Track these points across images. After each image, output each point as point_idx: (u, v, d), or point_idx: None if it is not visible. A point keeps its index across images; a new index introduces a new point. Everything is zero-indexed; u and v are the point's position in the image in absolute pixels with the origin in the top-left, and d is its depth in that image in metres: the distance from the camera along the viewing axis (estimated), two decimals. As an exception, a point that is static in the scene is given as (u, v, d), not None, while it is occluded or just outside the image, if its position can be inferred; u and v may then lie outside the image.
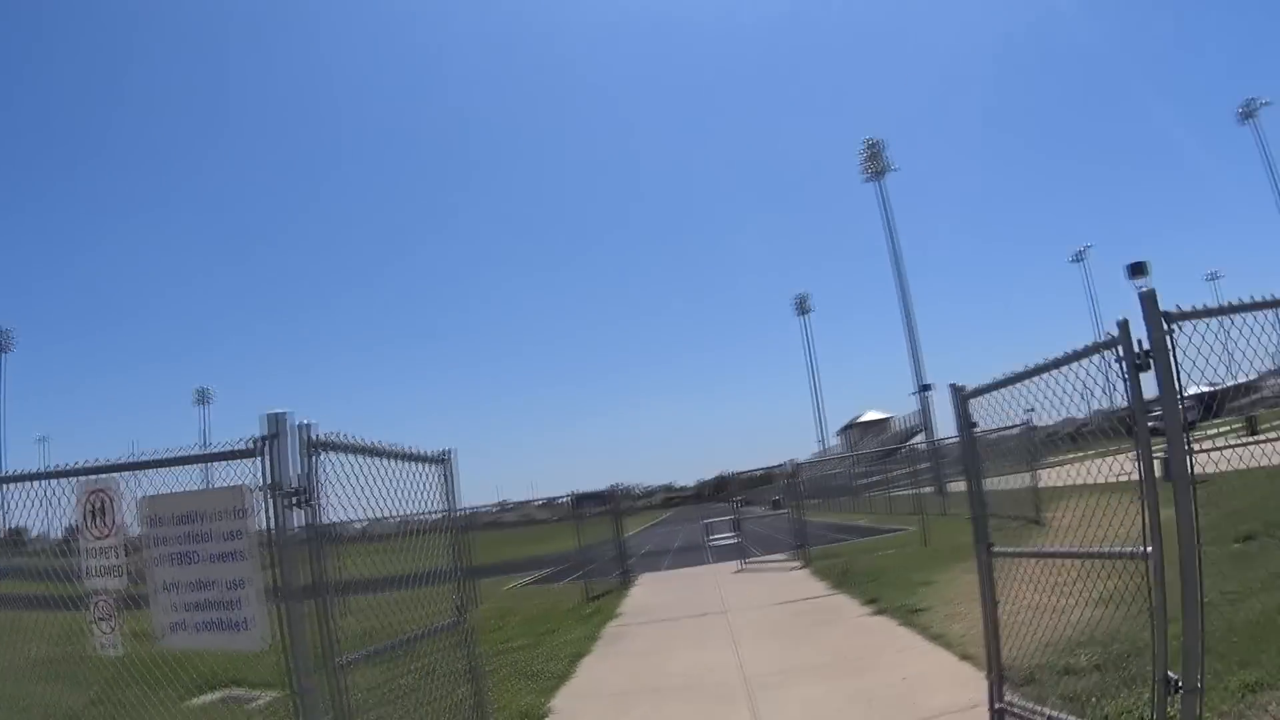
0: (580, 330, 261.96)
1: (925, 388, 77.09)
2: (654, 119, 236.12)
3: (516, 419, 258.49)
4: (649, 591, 19.40)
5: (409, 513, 5.94)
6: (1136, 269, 75.82)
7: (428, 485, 6.30)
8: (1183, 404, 4.64)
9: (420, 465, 6.21)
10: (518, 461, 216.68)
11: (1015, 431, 7.63)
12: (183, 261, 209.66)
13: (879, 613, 12.21)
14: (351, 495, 5.12)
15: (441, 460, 6.46)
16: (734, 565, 22.59)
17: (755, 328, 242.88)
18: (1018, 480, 23.34)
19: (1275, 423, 20.65)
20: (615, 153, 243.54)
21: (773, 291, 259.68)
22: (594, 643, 12.75)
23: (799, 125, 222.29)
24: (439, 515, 6.38)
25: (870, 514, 40.08)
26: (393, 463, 5.76)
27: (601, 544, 22.10)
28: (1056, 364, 5.24)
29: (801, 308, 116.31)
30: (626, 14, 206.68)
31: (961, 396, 6.40)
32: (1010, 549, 6.51)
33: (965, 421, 6.43)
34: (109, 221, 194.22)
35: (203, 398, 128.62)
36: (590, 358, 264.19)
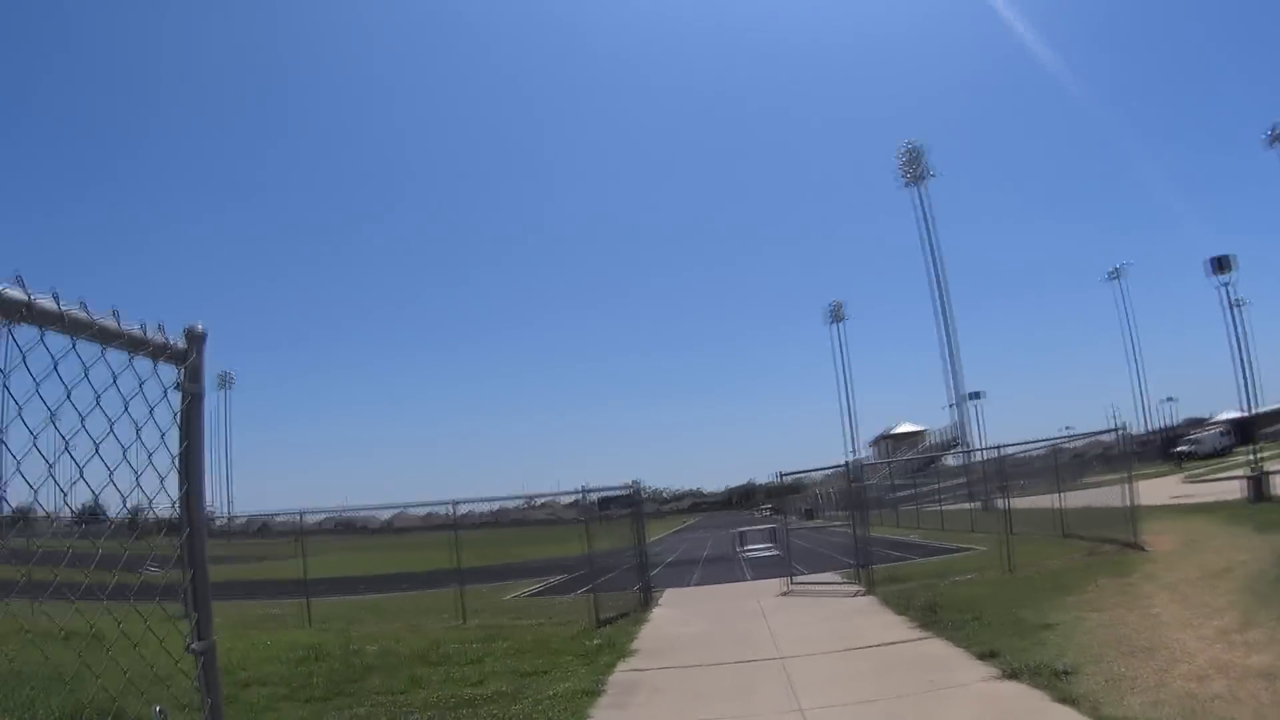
0: (609, 333, 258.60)
1: (975, 395, 74.07)
2: (687, 122, 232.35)
3: (544, 417, 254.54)
4: (674, 617, 15.61)
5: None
6: (1220, 264, 68.99)
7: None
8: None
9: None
10: (543, 458, 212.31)
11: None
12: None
13: (1008, 675, 8.31)
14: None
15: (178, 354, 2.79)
16: (777, 585, 18.86)
17: (787, 335, 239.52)
18: (1103, 498, 20.55)
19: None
20: (648, 156, 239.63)
21: (806, 298, 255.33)
22: (593, 704, 8.90)
23: (835, 129, 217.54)
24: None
25: (919, 529, 36.17)
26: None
27: (618, 550, 18.49)
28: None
29: (835, 315, 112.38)
30: (660, 16, 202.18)
31: None
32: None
33: None
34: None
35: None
36: (620, 362, 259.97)
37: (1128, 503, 18.61)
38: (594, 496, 18.06)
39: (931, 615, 12.23)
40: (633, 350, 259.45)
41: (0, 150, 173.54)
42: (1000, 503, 32.70)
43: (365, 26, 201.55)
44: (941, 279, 72.58)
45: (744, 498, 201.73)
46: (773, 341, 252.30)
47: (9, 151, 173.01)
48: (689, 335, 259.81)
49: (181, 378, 2.94)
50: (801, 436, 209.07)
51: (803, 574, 19.69)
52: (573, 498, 15.89)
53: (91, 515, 3.50)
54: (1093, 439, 25.28)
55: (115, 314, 2.55)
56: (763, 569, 24.52)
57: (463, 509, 20.17)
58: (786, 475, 19.87)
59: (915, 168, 76.82)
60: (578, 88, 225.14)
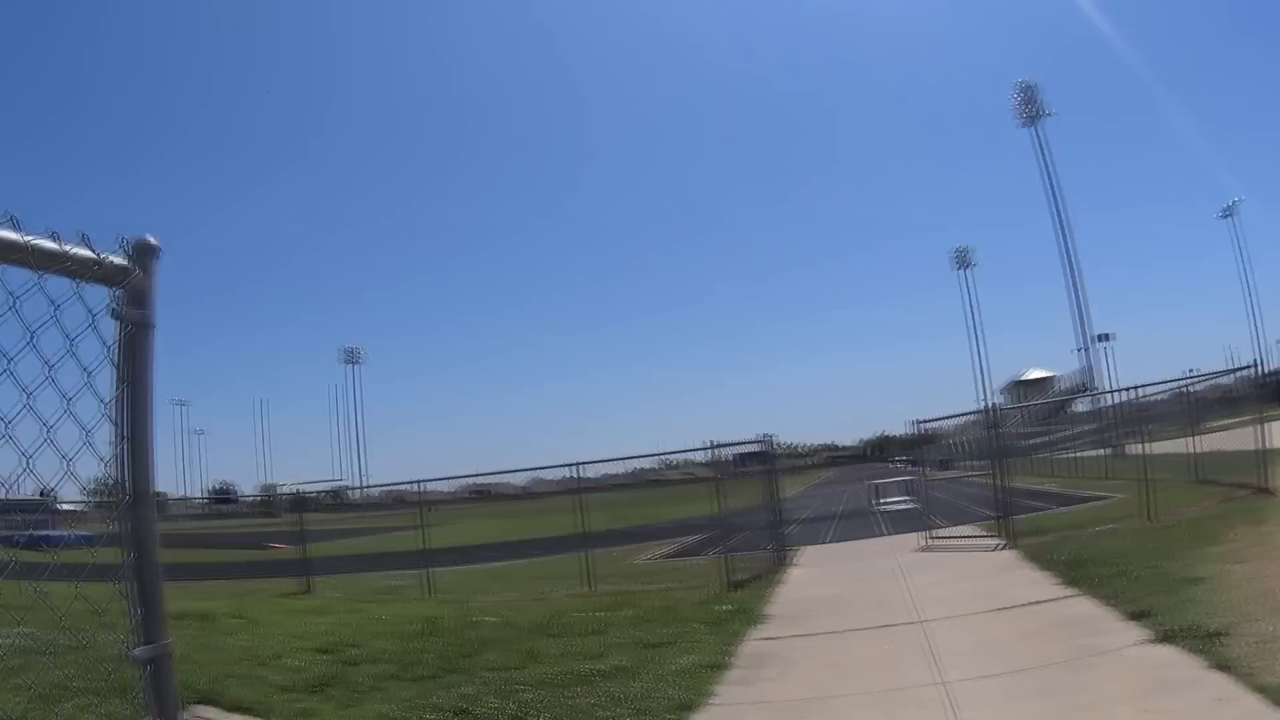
0: (740, 291, 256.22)
1: (1104, 337, 70.95)
2: (793, 69, 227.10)
3: (678, 375, 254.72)
4: (809, 578, 15.13)
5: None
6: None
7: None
8: None
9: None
10: (679, 418, 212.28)
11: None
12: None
13: (1162, 638, 7.53)
14: None
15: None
16: (914, 539, 18.16)
17: (915, 284, 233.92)
18: (1231, 441, 19.06)
19: None
20: (753, 111, 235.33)
21: (932, 245, 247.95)
22: (720, 678, 8.46)
23: (948, 70, 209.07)
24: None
25: (1053, 477, 34.47)
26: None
27: (751, 509, 17.91)
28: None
29: (962, 261, 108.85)
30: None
31: None
32: None
33: None
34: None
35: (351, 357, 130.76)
36: (749, 317, 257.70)
37: (1259, 445, 17.42)
38: (728, 453, 17.56)
39: (1076, 570, 11.46)
40: (763, 308, 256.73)
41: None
42: (1133, 448, 31.11)
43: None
44: (1064, 219, 69.68)
45: (878, 449, 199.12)
46: (900, 291, 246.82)
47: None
48: (817, 291, 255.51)
49: (120, 302, 2.30)
50: (933, 386, 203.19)
51: (941, 527, 18.85)
52: (706, 455, 15.26)
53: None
54: (1212, 380, 23.56)
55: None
56: (899, 523, 23.78)
57: (594, 470, 19.84)
58: (923, 423, 18.85)
59: (1031, 108, 73.60)
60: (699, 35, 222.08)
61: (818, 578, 14.94)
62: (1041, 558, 13.04)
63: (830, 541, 21.68)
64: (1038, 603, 10.18)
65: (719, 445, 15.59)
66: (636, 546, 26.56)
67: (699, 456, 17.79)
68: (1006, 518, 16.52)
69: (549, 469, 20.62)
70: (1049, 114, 73.64)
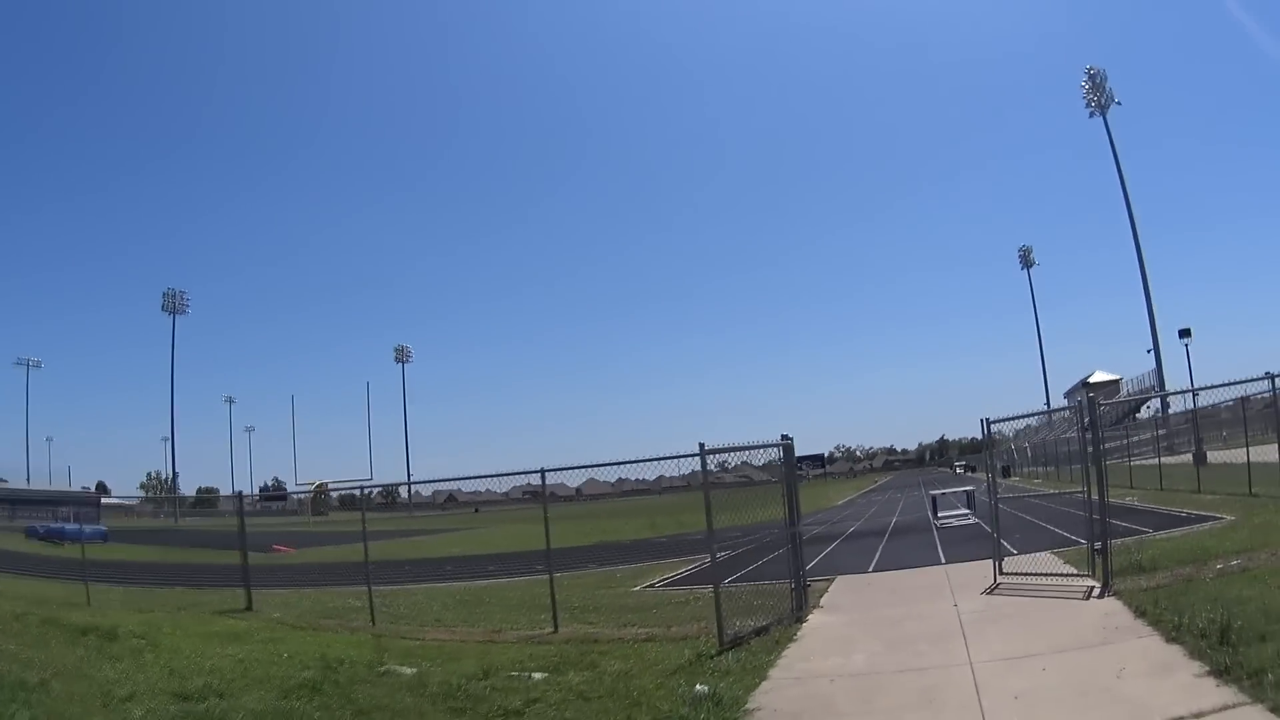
0: (799, 293, 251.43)
1: (1184, 333, 65.98)
2: (846, 68, 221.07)
3: (741, 377, 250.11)
4: (834, 633, 11.16)
5: None
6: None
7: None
8: None
9: None
10: (741, 420, 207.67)
11: None
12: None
13: None
14: None
15: None
16: (979, 573, 14.34)
17: (977, 286, 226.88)
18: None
19: None
20: (806, 110, 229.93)
21: (987, 244, 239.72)
22: None
23: (1010, 62, 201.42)
24: None
25: (1133, 489, 29.63)
26: None
27: (764, 526, 14.16)
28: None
29: (1025, 261, 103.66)
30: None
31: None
32: None
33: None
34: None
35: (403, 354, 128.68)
36: (813, 321, 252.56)
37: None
38: (721, 459, 14.15)
39: (1226, 647, 7.52)
40: (823, 311, 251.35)
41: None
42: (1220, 455, 27.14)
43: None
44: (1132, 211, 64.78)
45: (938, 453, 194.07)
46: (962, 292, 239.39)
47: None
48: (873, 295, 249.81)
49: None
50: (994, 390, 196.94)
51: (1012, 554, 14.91)
52: (702, 463, 11.39)
53: None
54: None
55: None
56: (960, 545, 19.95)
57: (609, 474, 16.35)
58: (992, 423, 14.82)
59: (1099, 94, 68.71)
60: (743, 34, 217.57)
61: (845, 633, 11.00)
62: (1162, 617, 9.09)
63: (873, 570, 17.68)
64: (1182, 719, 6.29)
65: (714, 451, 11.65)
66: (654, 564, 23.22)
67: (756, 459, 14.04)
68: (1103, 550, 12.46)
69: (508, 476, 16.56)
70: (1117, 102, 68.38)
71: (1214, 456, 31.19)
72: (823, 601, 13.52)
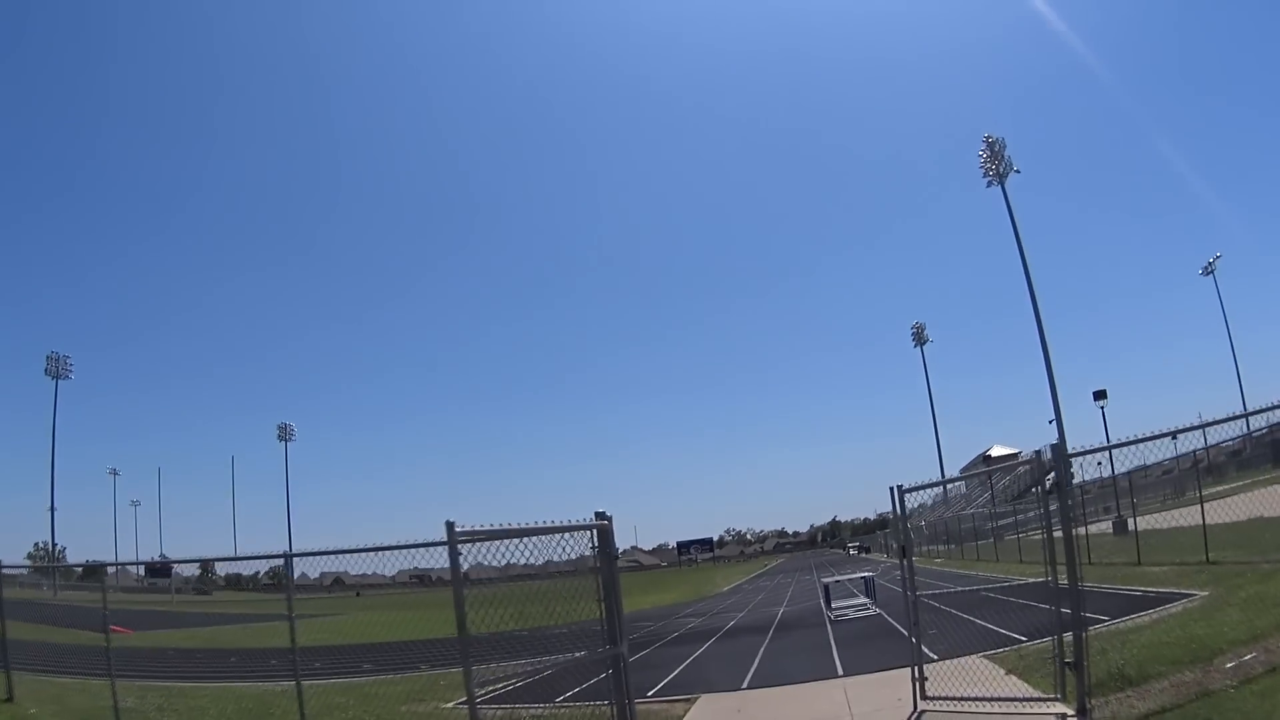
0: (686, 371, 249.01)
1: (1099, 395, 64.45)
2: (751, 149, 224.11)
3: (617, 461, 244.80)
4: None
5: None
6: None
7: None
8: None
9: None
10: (624, 507, 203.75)
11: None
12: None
13: None
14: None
15: None
16: (888, 689, 10.50)
17: (866, 363, 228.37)
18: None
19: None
20: (699, 186, 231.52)
21: (882, 320, 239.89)
22: None
23: (906, 135, 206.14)
24: None
25: (1054, 564, 25.75)
26: None
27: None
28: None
29: (919, 338, 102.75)
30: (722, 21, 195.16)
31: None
32: None
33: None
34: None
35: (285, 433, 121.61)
36: (697, 399, 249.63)
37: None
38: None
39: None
40: (709, 390, 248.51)
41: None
42: (1148, 520, 24.15)
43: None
44: (1030, 279, 63.57)
45: (830, 535, 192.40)
46: (855, 371, 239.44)
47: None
48: (765, 376, 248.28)
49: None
50: (888, 469, 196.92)
51: (933, 659, 10.68)
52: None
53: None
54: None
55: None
56: (860, 645, 15.81)
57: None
58: (908, 491, 10.34)
59: (997, 163, 67.98)
60: (634, 115, 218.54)
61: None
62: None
63: (747, 685, 13.14)
64: None
65: (469, 536, 6.86)
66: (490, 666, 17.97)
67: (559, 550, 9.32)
68: (1079, 664, 8.17)
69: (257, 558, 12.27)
70: (1016, 170, 67.50)
71: (1131, 524, 28.31)
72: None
